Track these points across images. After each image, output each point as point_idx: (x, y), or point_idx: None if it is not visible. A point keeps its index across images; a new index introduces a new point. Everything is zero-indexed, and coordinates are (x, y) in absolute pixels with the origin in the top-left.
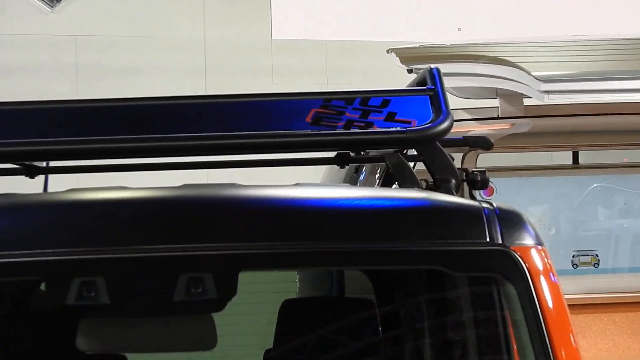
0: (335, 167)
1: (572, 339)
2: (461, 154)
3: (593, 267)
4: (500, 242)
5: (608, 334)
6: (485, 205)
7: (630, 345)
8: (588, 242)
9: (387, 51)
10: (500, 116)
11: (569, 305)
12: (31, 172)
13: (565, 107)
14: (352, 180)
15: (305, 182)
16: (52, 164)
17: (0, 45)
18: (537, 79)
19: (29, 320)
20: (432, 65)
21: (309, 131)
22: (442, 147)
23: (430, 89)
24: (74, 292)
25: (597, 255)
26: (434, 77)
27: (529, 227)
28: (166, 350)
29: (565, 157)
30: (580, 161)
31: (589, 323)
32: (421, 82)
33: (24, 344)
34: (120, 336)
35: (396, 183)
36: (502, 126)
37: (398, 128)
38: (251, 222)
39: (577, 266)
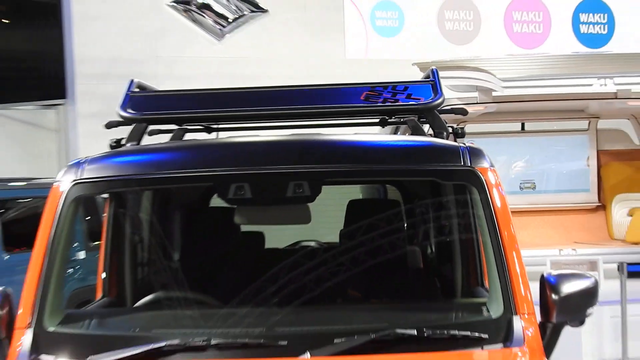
0: (380, 128)
1: (512, 226)
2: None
3: (532, 190)
4: (469, 165)
5: (540, 228)
6: (461, 144)
7: (552, 234)
8: (529, 175)
9: (413, 64)
10: (478, 102)
11: (518, 211)
12: (209, 130)
13: (517, 96)
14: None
15: (362, 132)
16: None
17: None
18: (499, 79)
19: (207, 210)
20: (433, 67)
21: (362, 105)
22: (439, 114)
23: (431, 80)
24: (233, 192)
25: (534, 183)
26: (434, 74)
27: (487, 157)
28: (283, 223)
29: (517, 126)
30: (526, 129)
31: (529, 221)
32: (427, 77)
33: (206, 224)
34: (258, 215)
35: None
36: (479, 108)
37: (412, 103)
38: (330, 151)
39: (523, 189)
